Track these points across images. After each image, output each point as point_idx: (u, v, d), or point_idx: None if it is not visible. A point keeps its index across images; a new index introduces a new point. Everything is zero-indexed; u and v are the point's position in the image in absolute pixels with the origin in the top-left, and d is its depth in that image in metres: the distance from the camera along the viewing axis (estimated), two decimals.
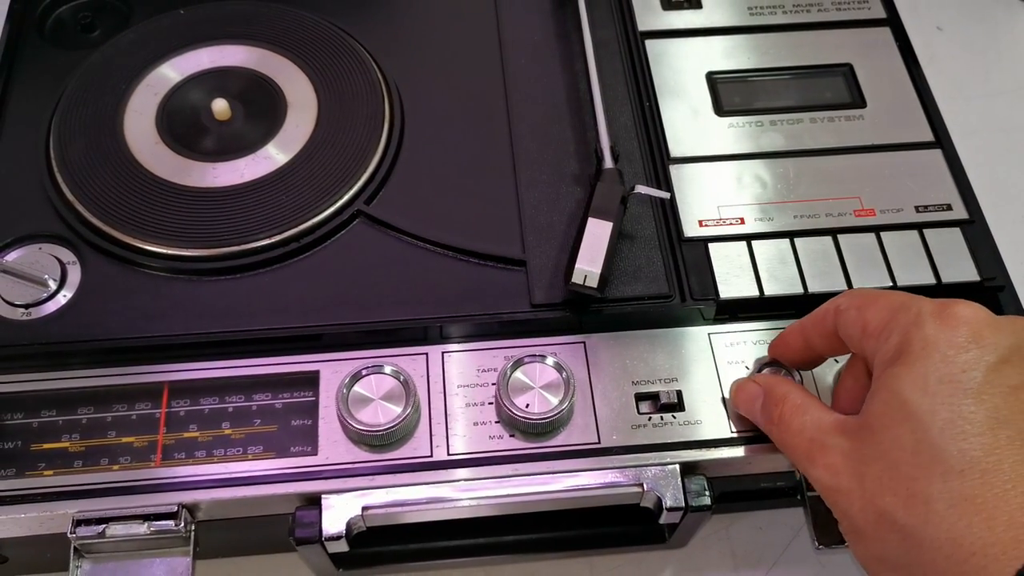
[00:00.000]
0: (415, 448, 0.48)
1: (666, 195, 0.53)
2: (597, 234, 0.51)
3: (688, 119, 0.60)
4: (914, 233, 0.53)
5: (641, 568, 0.55)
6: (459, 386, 0.50)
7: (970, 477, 0.34)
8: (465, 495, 0.46)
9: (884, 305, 0.40)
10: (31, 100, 0.59)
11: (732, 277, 0.52)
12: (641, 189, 0.52)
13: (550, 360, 0.48)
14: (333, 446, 0.48)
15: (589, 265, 0.49)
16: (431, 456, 0.48)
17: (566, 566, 0.55)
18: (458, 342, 0.52)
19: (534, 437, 0.48)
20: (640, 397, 0.50)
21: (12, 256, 0.52)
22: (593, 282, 0.49)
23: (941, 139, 0.58)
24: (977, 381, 0.35)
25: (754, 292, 0.51)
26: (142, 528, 0.44)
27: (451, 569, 0.55)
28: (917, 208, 0.55)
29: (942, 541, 0.33)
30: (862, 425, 0.38)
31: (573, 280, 0.49)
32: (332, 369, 0.50)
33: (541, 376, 0.48)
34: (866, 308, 0.40)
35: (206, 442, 0.48)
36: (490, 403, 0.50)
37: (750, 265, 0.52)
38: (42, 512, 0.45)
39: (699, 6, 0.66)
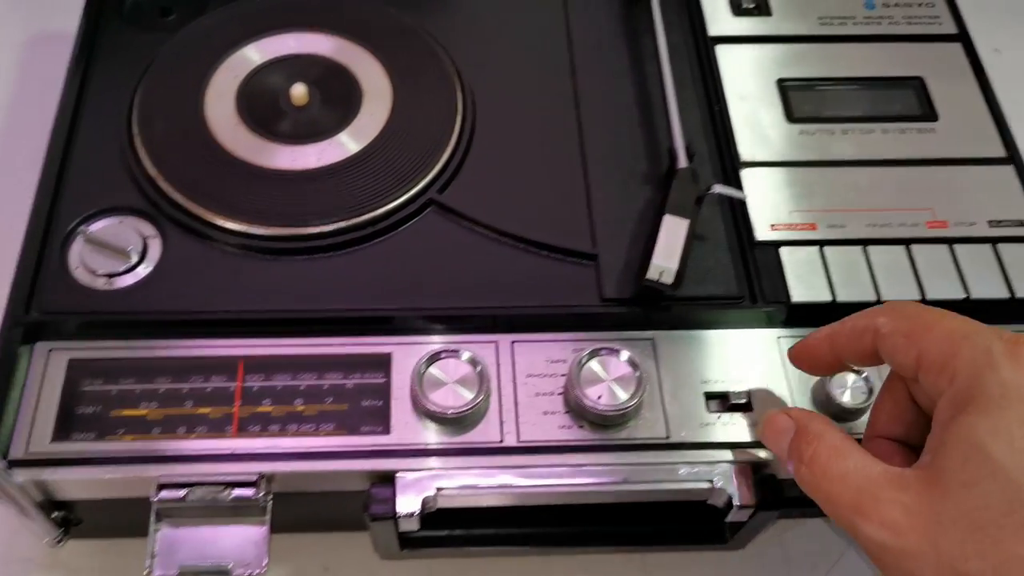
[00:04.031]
0: (485, 433, 0.49)
1: (743, 196, 0.53)
2: (673, 231, 0.51)
3: (758, 124, 0.60)
4: (987, 247, 0.54)
5: (694, 569, 0.55)
6: (528, 375, 0.51)
7: None
8: (537, 482, 0.47)
9: (942, 335, 0.36)
10: (112, 79, 0.60)
11: (804, 282, 0.53)
12: (719, 188, 0.53)
13: (624, 355, 0.49)
14: (405, 427, 0.49)
15: (665, 261, 0.50)
16: (501, 441, 0.49)
17: (619, 561, 0.55)
18: (527, 332, 0.52)
19: (603, 429, 0.49)
20: (709, 396, 0.50)
21: (96, 226, 0.53)
22: (669, 278, 0.50)
23: (1014, 155, 0.58)
24: None
25: (827, 297, 0.52)
26: (224, 495, 0.45)
27: (506, 557, 0.55)
28: (990, 223, 0.55)
29: None
30: (931, 480, 0.34)
31: (648, 276, 0.50)
32: (404, 352, 0.51)
33: (614, 369, 0.49)
34: (919, 337, 0.37)
35: (279, 417, 0.49)
36: (559, 393, 0.50)
37: (823, 270, 0.53)
38: (125, 474, 0.46)
39: (769, 13, 0.66)
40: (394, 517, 0.46)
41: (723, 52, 0.65)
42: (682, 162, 0.55)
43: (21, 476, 0.45)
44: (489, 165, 0.58)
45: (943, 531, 0.33)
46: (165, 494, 0.46)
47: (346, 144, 0.58)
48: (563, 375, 0.51)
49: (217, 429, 0.49)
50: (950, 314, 0.38)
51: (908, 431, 0.41)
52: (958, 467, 0.33)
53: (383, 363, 0.51)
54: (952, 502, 0.33)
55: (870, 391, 0.48)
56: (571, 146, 0.59)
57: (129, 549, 0.54)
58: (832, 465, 0.37)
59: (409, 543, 0.51)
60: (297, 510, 0.49)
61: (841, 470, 0.37)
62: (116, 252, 0.52)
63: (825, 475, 0.37)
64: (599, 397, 0.48)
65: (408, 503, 0.46)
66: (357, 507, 0.50)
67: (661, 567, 0.55)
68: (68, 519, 0.50)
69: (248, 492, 0.46)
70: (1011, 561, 0.31)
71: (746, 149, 0.59)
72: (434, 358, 0.48)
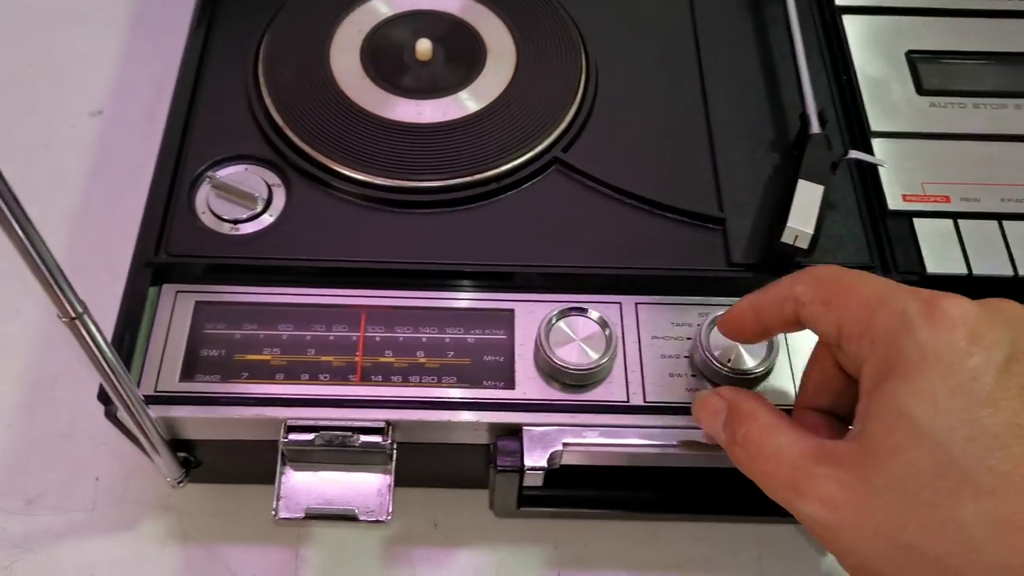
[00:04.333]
0: (611, 392, 0.48)
1: (883, 162, 0.52)
2: (808, 196, 0.50)
3: (887, 95, 0.59)
4: None
5: (811, 541, 0.54)
6: (653, 337, 0.50)
7: (1003, 495, 0.30)
8: (666, 442, 0.46)
9: (859, 301, 0.35)
10: (237, 26, 0.61)
11: (939, 254, 0.51)
12: (856, 154, 0.52)
13: None
14: (529, 382, 0.48)
15: (801, 225, 0.49)
16: (627, 400, 0.48)
17: (733, 531, 0.54)
18: (651, 294, 0.52)
19: None
20: None
21: (222, 172, 0.53)
22: (804, 243, 0.49)
23: None
24: (989, 387, 0.31)
25: (962, 270, 0.50)
26: (352, 440, 0.45)
27: (613, 521, 0.54)
28: None
29: (987, 566, 0.30)
30: (862, 451, 0.33)
31: (783, 239, 0.49)
32: (527, 309, 0.51)
33: None
34: (837, 304, 0.36)
35: (402, 368, 0.49)
36: (685, 356, 0.49)
37: (957, 243, 0.51)
38: (255, 414, 0.46)
39: None
40: (520, 470, 0.45)
41: (850, 22, 0.63)
42: (815, 127, 0.54)
43: (154, 412, 0.45)
44: (612, 127, 0.57)
45: (878, 501, 0.32)
46: (293, 436, 0.46)
47: (470, 101, 0.57)
48: (688, 338, 0.50)
49: (340, 377, 0.49)
50: (868, 276, 0.36)
51: (836, 401, 0.40)
52: (885, 435, 0.32)
53: (505, 319, 0.50)
54: (883, 471, 0.32)
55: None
56: (695, 110, 0.58)
57: (241, 495, 0.55)
58: (765, 443, 0.36)
59: (528, 500, 0.50)
60: (412, 463, 0.49)
61: (774, 448, 0.36)
62: (242, 198, 0.52)
63: (760, 454, 0.36)
64: (728, 360, 0.47)
65: (535, 457, 0.45)
66: (473, 462, 0.50)
67: (775, 541, 0.54)
68: (189, 460, 0.51)
69: (375, 439, 0.46)
70: (947, 524, 0.30)
71: (876, 119, 0.57)
72: (564, 313, 0.48)
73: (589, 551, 0.53)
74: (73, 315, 0.36)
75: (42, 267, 0.33)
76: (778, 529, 0.54)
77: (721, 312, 0.47)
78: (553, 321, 0.47)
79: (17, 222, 0.31)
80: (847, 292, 0.36)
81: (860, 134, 0.57)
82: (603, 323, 0.48)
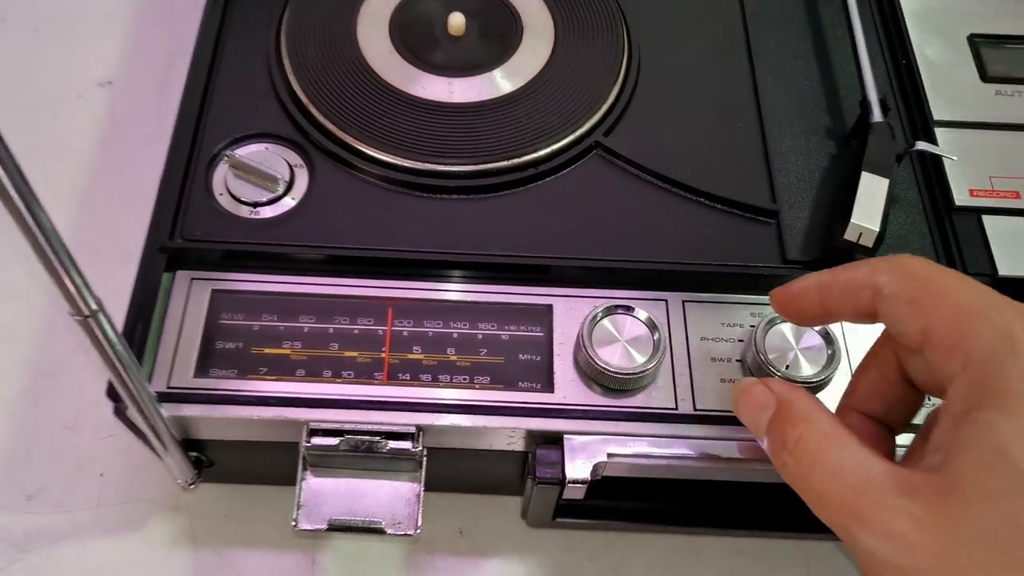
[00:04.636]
0: (657, 398, 0.45)
1: (953, 156, 0.48)
2: (872, 190, 0.46)
3: (949, 82, 0.55)
4: None
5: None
6: (702, 338, 0.47)
7: None
8: (720, 454, 0.42)
9: (953, 308, 0.31)
10: (256, 2, 0.57)
11: (1011, 255, 0.48)
12: (923, 146, 0.48)
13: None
14: (569, 385, 0.45)
15: (865, 221, 0.45)
16: (675, 408, 0.44)
17: (779, 547, 0.51)
18: (698, 292, 0.48)
19: None
20: None
21: (242, 151, 0.50)
22: (868, 240, 0.45)
23: None
24: None
25: None
26: (380, 445, 0.41)
27: (653, 534, 0.51)
28: None
29: None
30: (946, 488, 0.28)
31: (845, 236, 0.45)
32: (566, 305, 0.47)
33: (803, 338, 0.44)
34: (927, 306, 0.32)
35: (431, 366, 0.45)
36: (737, 360, 0.46)
37: None
38: (275, 415, 0.43)
39: None
40: (561, 483, 0.42)
41: (907, 3, 0.59)
42: (877, 116, 0.50)
43: (167, 411, 0.42)
44: (656, 112, 0.54)
45: (963, 551, 0.27)
46: (317, 440, 0.42)
47: (505, 80, 0.54)
48: (740, 340, 0.46)
49: (366, 375, 0.45)
50: (966, 280, 0.32)
51: (889, 409, 0.37)
52: (980, 476, 0.28)
53: (542, 315, 0.47)
54: (974, 518, 0.28)
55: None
56: (744, 96, 0.54)
57: (256, 496, 0.52)
58: (824, 456, 0.32)
59: (565, 512, 0.47)
60: (439, 468, 0.46)
61: (834, 463, 0.31)
62: (262, 180, 0.49)
63: (815, 467, 0.32)
64: (787, 367, 0.44)
65: (578, 469, 0.42)
66: (505, 469, 0.47)
67: (826, 558, 0.51)
68: (201, 460, 0.47)
69: (405, 445, 0.42)
70: None
71: (938, 107, 0.54)
72: (610, 311, 0.44)
73: (625, 564, 0.50)
74: (87, 313, 0.32)
75: (55, 261, 0.30)
76: (829, 547, 0.51)
77: (774, 314, 0.43)
78: (598, 318, 0.44)
79: (30, 211, 0.28)
80: (940, 295, 0.32)
81: (922, 123, 0.53)
82: (652, 325, 0.44)
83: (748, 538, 0.51)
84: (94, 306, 0.32)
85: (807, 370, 0.44)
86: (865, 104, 0.51)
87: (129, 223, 0.58)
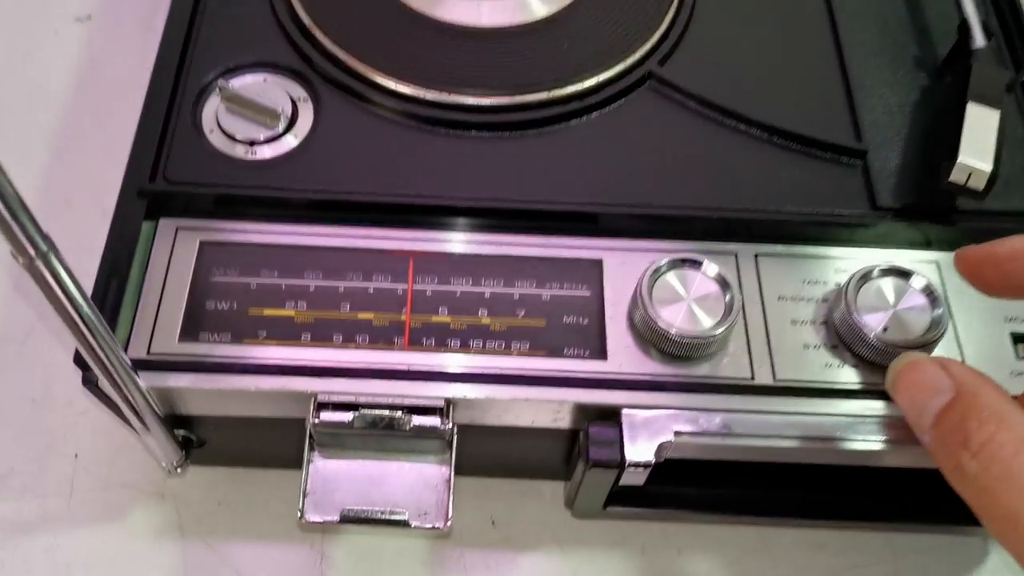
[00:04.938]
0: (729, 367, 0.38)
1: None
2: (981, 124, 0.39)
3: None
4: None
5: (956, 556, 0.44)
6: (779, 297, 0.40)
7: None
8: (808, 434, 0.35)
9: None
10: None
11: None
12: None
13: (918, 280, 0.37)
14: (625, 352, 0.38)
15: (976, 160, 0.38)
16: (752, 378, 0.37)
17: (862, 540, 0.44)
18: (772, 243, 0.41)
19: (884, 369, 0.37)
20: (1017, 338, 0.39)
21: (236, 82, 0.43)
22: (979, 182, 0.38)
23: None
24: None
25: None
26: (403, 421, 0.34)
27: (720, 525, 0.44)
28: None
29: None
30: None
31: (951, 179, 0.38)
32: (618, 260, 0.40)
33: (902, 297, 0.37)
34: None
35: (459, 330, 0.38)
36: (822, 322, 0.39)
37: None
38: (276, 386, 0.35)
39: None
40: (620, 465, 0.35)
41: None
42: (979, 41, 0.43)
43: (145, 381, 0.35)
44: (718, 36, 0.47)
45: None
46: (326, 416, 0.35)
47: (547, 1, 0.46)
48: (824, 299, 0.39)
49: (383, 340, 0.38)
50: None
51: None
52: None
53: (591, 271, 0.40)
54: None
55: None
56: (819, 19, 0.47)
57: (254, 481, 0.45)
58: (1018, 463, 0.26)
59: (618, 499, 0.40)
60: (469, 449, 0.39)
61: None
62: (260, 114, 0.42)
63: (1008, 480, 0.26)
64: (884, 329, 0.36)
65: (640, 450, 0.35)
66: (546, 449, 0.40)
67: (913, 552, 0.44)
68: (189, 440, 0.40)
69: (432, 421, 0.35)
70: None
71: None
72: (675, 264, 0.37)
73: (684, 559, 0.43)
74: (33, 254, 0.25)
75: None
76: (918, 539, 0.44)
77: (867, 268, 0.38)
78: (661, 272, 0.37)
79: None
80: None
81: (1023, 48, 0.46)
82: (723, 282, 0.37)
83: (827, 530, 0.44)
84: (43, 246, 0.25)
85: (912, 332, 0.37)
86: (964, 28, 0.44)
87: (109, 174, 0.51)
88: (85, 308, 0.29)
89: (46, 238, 0.26)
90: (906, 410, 0.32)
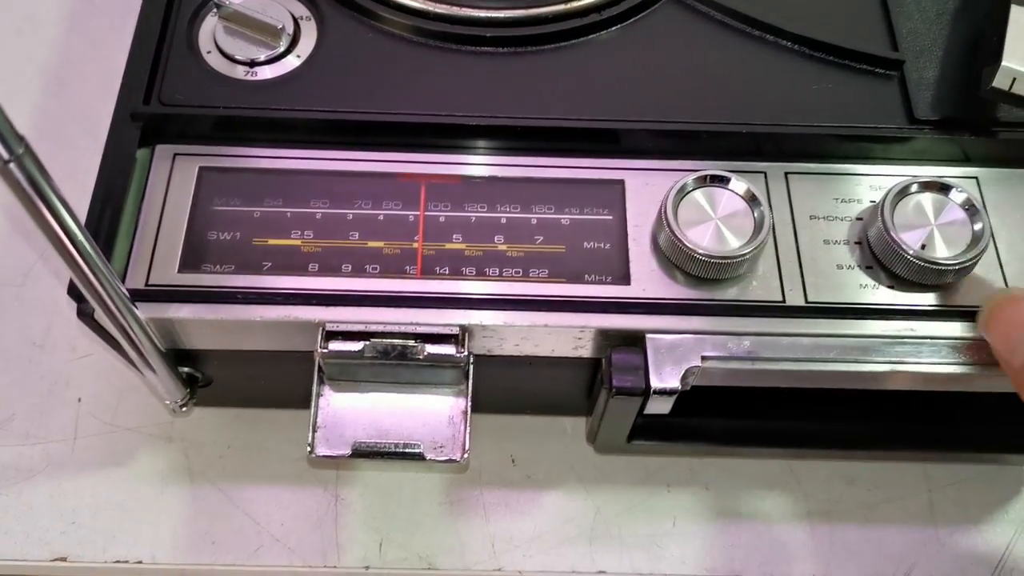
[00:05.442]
0: (759, 289, 0.36)
1: None
2: None
3: None
4: None
5: (993, 486, 0.42)
6: (811, 216, 0.37)
7: None
8: (844, 356, 0.33)
9: None
10: None
11: None
12: None
13: (957, 194, 0.35)
14: (649, 275, 0.36)
15: (1022, 64, 0.35)
16: (783, 300, 0.35)
17: (895, 471, 0.42)
18: (804, 161, 0.39)
19: (921, 288, 0.35)
20: None
21: (234, 0, 0.40)
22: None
23: None
24: None
25: None
26: (415, 351, 0.32)
27: (747, 459, 0.42)
28: None
29: None
30: None
31: (994, 84, 0.36)
32: (641, 180, 0.38)
33: (941, 212, 0.35)
34: None
35: (475, 257, 0.36)
36: (856, 242, 0.36)
37: None
38: (280, 315, 0.34)
39: None
40: (644, 393, 0.33)
41: None
42: None
43: (144, 312, 0.33)
44: None
45: None
46: (335, 346, 0.33)
47: None
48: (858, 218, 0.37)
49: (395, 269, 0.36)
50: None
51: None
52: None
53: (612, 192, 0.38)
54: None
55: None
56: None
57: (264, 421, 0.44)
58: None
59: (641, 432, 0.38)
60: (486, 383, 0.37)
61: None
62: (261, 32, 0.40)
63: None
64: (922, 246, 0.34)
65: (665, 376, 0.33)
66: (567, 380, 0.38)
67: (950, 484, 0.42)
68: (195, 377, 0.38)
69: (446, 349, 0.33)
70: None
71: None
72: (702, 181, 0.35)
73: (711, 496, 0.42)
74: (7, 157, 0.23)
75: None
76: (953, 470, 0.42)
77: (904, 182, 0.36)
78: (687, 190, 0.34)
79: None
80: None
81: None
82: (752, 199, 0.35)
83: (859, 462, 0.42)
84: (18, 148, 0.22)
85: (951, 250, 0.35)
86: None
87: (104, 108, 0.48)
88: (75, 229, 0.27)
89: (20, 138, 0.23)
90: (996, 345, 0.31)
